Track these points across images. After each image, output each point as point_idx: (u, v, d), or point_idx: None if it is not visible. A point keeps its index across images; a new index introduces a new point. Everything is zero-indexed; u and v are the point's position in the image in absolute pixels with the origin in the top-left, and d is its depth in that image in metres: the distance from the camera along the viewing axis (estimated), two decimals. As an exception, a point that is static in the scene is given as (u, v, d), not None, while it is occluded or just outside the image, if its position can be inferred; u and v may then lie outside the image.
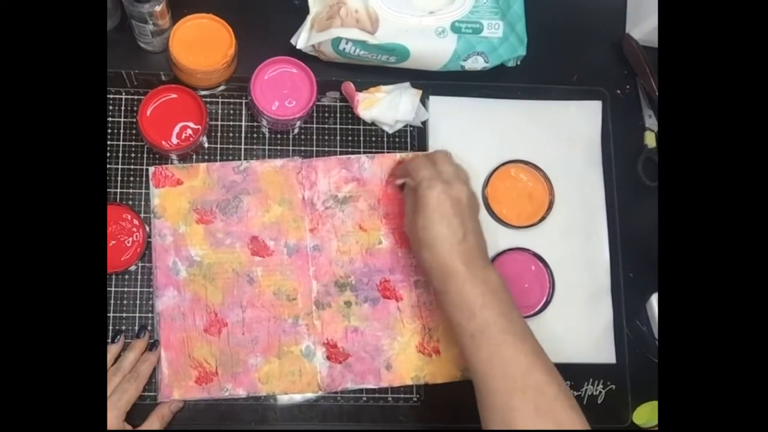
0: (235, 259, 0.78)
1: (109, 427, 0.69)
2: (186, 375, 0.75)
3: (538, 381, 0.60)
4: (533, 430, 0.59)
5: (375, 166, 0.81)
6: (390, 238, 0.80)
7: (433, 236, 0.66)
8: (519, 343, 0.62)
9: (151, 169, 0.79)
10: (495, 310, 0.63)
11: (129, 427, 0.71)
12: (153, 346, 0.75)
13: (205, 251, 0.77)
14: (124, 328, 0.76)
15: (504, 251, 0.81)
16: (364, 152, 0.82)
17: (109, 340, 0.75)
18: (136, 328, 0.77)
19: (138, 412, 0.73)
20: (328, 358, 0.77)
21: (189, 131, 0.78)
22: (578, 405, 0.62)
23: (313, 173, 0.80)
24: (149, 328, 0.76)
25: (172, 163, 0.80)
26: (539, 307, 0.80)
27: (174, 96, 0.78)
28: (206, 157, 0.81)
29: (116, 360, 0.74)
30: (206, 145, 0.81)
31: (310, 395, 0.77)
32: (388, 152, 0.83)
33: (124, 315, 0.77)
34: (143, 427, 0.72)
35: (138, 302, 0.77)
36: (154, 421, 0.73)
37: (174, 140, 0.78)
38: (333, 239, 0.79)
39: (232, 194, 0.79)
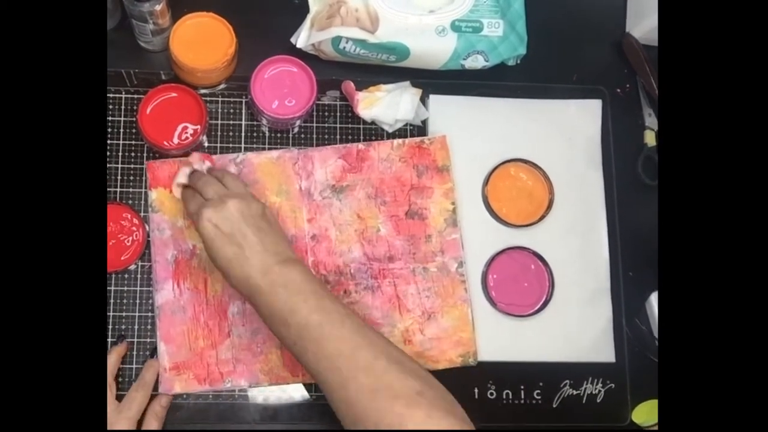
0: None
1: None
2: (187, 368, 0.75)
3: (364, 361, 0.60)
4: (378, 413, 0.58)
5: (372, 155, 0.81)
6: (388, 226, 0.80)
7: (222, 262, 0.65)
8: (337, 330, 0.61)
9: (148, 163, 0.79)
10: (305, 311, 0.62)
11: None
12: (153, 352, 0.76)
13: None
14: (124, 327, 0.77)
15: (503, 250, 0.81)
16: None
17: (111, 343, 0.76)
18: (137, 327, 0.77)
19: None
20: None
21: (189, 131, 0.78)
22: (415, 366, 0.61)
23: (309, 163, 0.80)
24: (126, 335, 0.77)
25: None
26: (539, 306, 0.80)
27: (174, 95, 0.78)
28: (206, 155, 0.81)
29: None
30: (206, 144, 0.81)
31: (309, 395, 0.77)
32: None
33: (124, 314, 0.77)
34: (144, 428, 0.72)
35: (138, 301, 0.77)
36: (152, 421, 0.73)
37: (175, 140, 0.78)
38: (331, 229, 0.79)
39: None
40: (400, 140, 0.82)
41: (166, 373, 0.75)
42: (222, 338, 0.76)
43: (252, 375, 0.76)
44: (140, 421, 0.72)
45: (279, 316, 0.63)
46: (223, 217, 0.65)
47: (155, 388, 0.75)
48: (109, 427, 0.70)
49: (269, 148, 0.82)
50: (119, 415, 0.71)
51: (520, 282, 0.81)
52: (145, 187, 0.79)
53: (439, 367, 0.78)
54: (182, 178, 0.72)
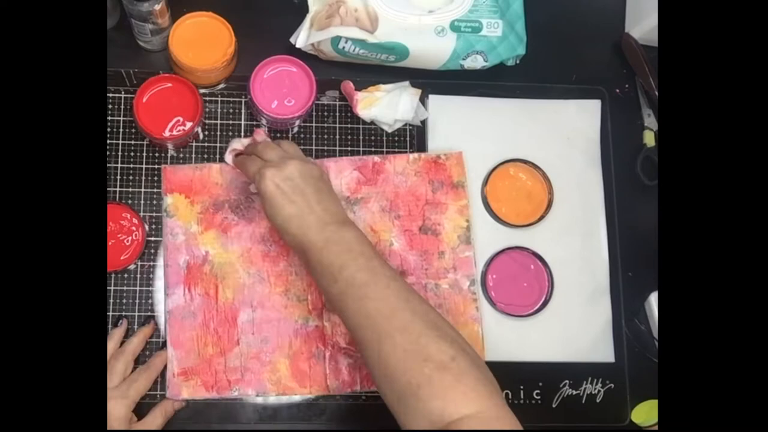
0: (245, 259, 0.78)
1: (117, 415, 0.69)
2: (195, 374, 0.75)
3: (402, 322, 0.61)
4: (409, 372, 0.59)
5: (387, 168, 0.81)
6: (401, 240, 0.80)
7: (282, 219, 0.67)
8: (381, 290, 0.63)
9: (164, 168, 0.79)
10: (353, 268, 0.64)
11: (135, 419, 0.71)
12: (164, 345, 0.76)
13: (216, 250, 0.77)
14: (124, 313, 0.77)
15: (503, 250, 0.81)
16: (364, 152, 0.82)
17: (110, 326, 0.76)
18: (135, 326, 0.76)
19: (142, 409, 0.73)
20: (338, 360, 0.76)
21: (182, 126, 0.78)
22: (454, 335, 0.62)
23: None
24: (155, 318, 0.77)
25: (168, 153, 0.80)
26: (538, 306, 0.80)
27: (169, 85, 0.78)
28: (205, 155, 0.81)
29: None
30: (201, 136, 0.81)
31: (309, 395, 0.77)
32: (396, 152, 0.83)
33: (124, 313, 0.77)
34: (147, 419, 0.72)
35: (137, 301, 0.77)
36: (158, 415, 0.73)
37: (166, 133, 0.77)
38: None
39: (245, 195, 0.79)
40: (416, 154, 0.82)
41: (174, 378, 0.75)
42: (231, 346, 0.76)
43: (259, 384, 0.76)
44: (140, 415, 0.72)
45: (329, 271, 0.64)
46: (284, 177, 0.67)
47: (161, 387, 0.75)
48: None
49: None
50: (116, 392, 0.70)
51: (520, 282, 0.81)
52: (146, 188, 0.79)
53: None
54: (237, 144, 0.76)
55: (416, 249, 0.80)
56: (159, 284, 0.78)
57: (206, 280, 0.77)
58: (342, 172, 0.81)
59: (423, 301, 0.64)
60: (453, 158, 0.82)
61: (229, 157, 0.77)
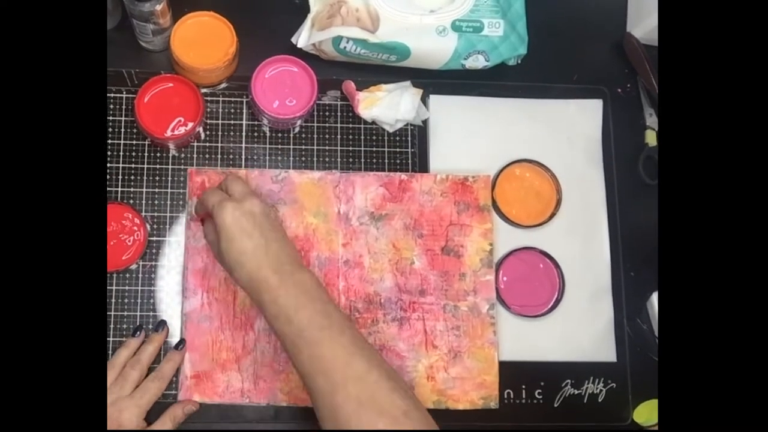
0: None
1: (128, 424, 0.69)
2: (208, 378, 0.75)
3: (357, 371, 0.60)
4: (362, 426, 0.58)
5: (414, 186, 0.81)
6: (423, 259, 0.79)
7: (237, 253, 0.65)
8: (336, 337, 0.62)
9: (190, 170, 0.79)
10: (309, 310, 0.63)
11: (145, 425, 0.71)
12: (178, 345, 0.75)
13: None
14: (125, 327, 0.77)
15: (510, 252, 0.81)
16: (365, 151, 0.82)
17: (130, 334, 0.76)
18: (133, 327, 0.76)
19: (153, 410, 0.73)
20: None
21: (183, 126, 0.78)
22: (405, 386, 0.62)
23: (350, 188, 0.80)
24: (168, 323, 0.76)
25: (169, 153, 0.80)
26: (551, 304, 0.80)
27: (170, 85, 0.79)
28: (207, 155, 0.81)
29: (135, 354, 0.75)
30: (202, 136, 0.81)
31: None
32: (398, 152, 0.83)
33: (125, 314, 0.77)
34: (155, 426, 0.72)
35: (138, 301, 0.77)
36: (167, 421, 0.72)
37: (168, 133, 0.78)
38: (365, 255, 0.79)
39: (269, 202, 0.79)
40: (444, 174, 0.81)
41: (186, 380, 0.75)
42: (246, 352, 0.76)
43: (272, 393, 0.75)
44: (151, 417, 0.72)
45: (284, 313, 0.63)
46: (245, 211, 0.66)
47: (175, 389, 0.75)
48: (117, 412, 0.70)
49: (270, 148, 0.82)
50: (130, 401, 0.71)
51: (530, 282, 0.81)
52: (147, 188, 0.79)
53: (459, 407, 0.77)
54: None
55: (437, 269, 0.79)
56: (161, 284, 0.78)
57: (225, 285, 0.77)
58: (368, 187, 0.80)
59: (377, 352, 0.64)
60: (480, 181, 0.82)
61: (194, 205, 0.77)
